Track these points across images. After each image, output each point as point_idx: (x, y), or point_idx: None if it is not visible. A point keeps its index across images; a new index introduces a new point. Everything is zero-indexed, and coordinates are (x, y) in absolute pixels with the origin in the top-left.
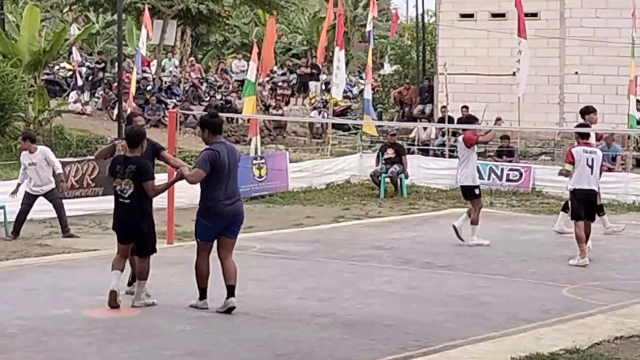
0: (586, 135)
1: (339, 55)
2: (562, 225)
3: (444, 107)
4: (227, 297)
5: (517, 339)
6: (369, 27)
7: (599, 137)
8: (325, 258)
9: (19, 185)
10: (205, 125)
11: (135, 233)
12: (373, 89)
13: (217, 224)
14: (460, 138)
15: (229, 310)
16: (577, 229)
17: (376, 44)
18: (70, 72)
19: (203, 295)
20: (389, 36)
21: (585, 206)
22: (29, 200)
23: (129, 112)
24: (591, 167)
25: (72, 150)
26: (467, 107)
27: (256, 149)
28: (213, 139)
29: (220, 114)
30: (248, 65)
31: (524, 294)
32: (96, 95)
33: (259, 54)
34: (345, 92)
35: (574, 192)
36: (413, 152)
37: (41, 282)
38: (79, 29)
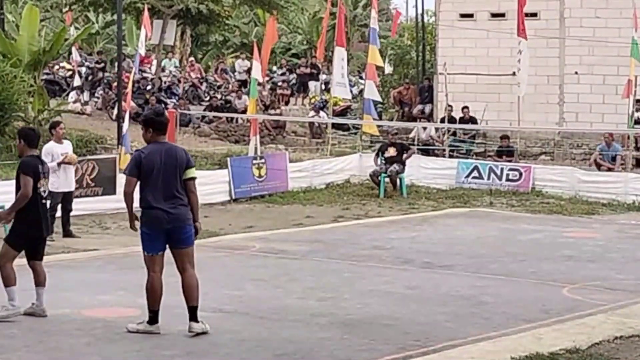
0: None
1: (342, 54)
2: None
3: (449, 106)
4: (191, 320)
5: (516, 339)
6: (373, 26)
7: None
8: (324, 258)
9: None
10: (149, 124)
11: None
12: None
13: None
14: None
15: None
16: None
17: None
18: (70, 72)
19: (155, 319)
20: (388, 36)
21: None
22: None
23: (127, 112)
24: None
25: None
26: (467, 108)
27: (256, 148)
28: (155, 139)
29: (221, 114)
30: (251, 64)
31: (523, 293)
32: (96, 95)
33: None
34: None
35: None
36: (414, 152)
37: None
38: (77, 28)
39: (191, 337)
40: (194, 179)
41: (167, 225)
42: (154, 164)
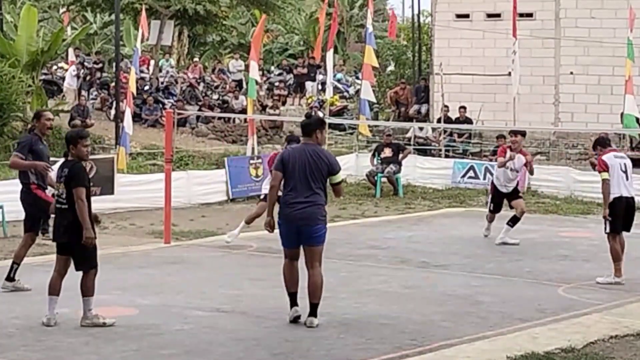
0: (608, 143)
1: (331, 57)
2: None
3: (446, 106)
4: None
5: (512, 338)
6: (369, 28)
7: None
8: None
9: None
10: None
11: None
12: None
13: None
14: None
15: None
16: (614, 243)
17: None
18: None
19: (292, 302)
20: (385, 36)
21: (623, 216)
22: None
23: (127, 112)
24: (625, 172)
25: None
26: (464, 108)
27: (253, 148)
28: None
29: (218, 114)
30: (245, 64)
31: (519, 293)
32: (94, 95)
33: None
34: (341, 92)
35: (614, 202)
36: (410, 152)
37: (39, 282)
38: (75, 28)
39: (203, 334)
40: (339, 183)
41: (297, 222)
42: (294, 163)
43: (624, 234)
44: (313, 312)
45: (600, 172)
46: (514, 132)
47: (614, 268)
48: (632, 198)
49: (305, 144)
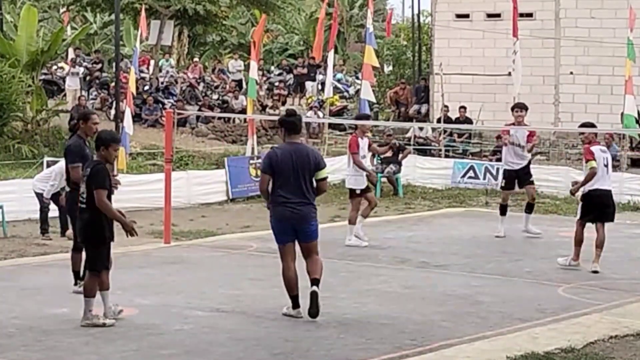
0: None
1: (331, 57)
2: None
3: (445, 106)
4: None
5: (512, 338)
6: (369, 28)
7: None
8: (321, 257)
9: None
10: (282, 124)
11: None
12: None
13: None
14: None
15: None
16: (579, 229)
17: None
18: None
19: (295, 304)
20: (385, 36)
21: (599, 208)
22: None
23: (127, 112)
24: (606, 166)
25: None
26: (464, 108)
27: (253, 148)
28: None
29: (217, 114)
30: (245, 64)
31: (519, 293)
32: (93, 95)
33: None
34: (341, 92)
35: (590, 194)
36: (409, 152)
37: (39, 282)
38: (74, 28)
39: (201, 331)
40: (325, 179)
41: (293, 221)
42: (283, 163)
43: (607, 225)
44: (316, 284)
45: (588, 160)
46: (519, 108)
47: (574, 252)
48: (610, 190)
49: (291, 142)
